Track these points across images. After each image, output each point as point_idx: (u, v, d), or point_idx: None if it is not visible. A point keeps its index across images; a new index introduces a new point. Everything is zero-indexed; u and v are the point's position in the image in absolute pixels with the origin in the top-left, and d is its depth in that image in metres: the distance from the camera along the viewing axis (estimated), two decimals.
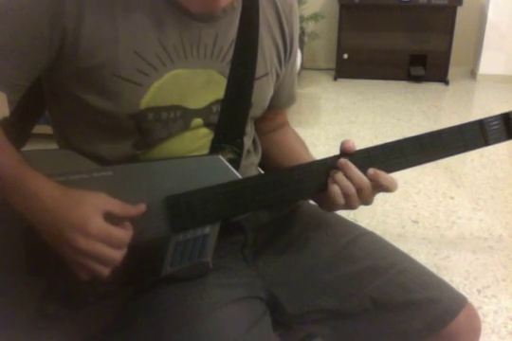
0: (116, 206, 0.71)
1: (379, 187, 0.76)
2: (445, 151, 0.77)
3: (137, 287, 0.80)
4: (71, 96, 0.77)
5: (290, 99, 1.00)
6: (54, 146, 0.88)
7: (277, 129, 1.02)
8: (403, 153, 0.77)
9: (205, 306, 0.77)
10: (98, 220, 0.69)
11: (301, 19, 4.28)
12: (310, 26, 4.56)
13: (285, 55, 0.90)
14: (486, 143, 0.78)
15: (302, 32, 4.40)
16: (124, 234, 0.71)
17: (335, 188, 0.75)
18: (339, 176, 0.75)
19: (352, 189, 0.75)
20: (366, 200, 0.77)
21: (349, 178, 0.75)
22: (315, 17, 4.39)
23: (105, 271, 0.70)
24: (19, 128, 0.90)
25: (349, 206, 0.77)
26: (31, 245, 0.76)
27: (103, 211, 0.70)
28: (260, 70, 0.84)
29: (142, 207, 0.73)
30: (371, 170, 0.76)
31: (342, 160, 0.76)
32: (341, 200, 0.75)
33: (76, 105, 0.78)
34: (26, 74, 0.75)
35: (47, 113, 0.88)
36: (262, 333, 0.78)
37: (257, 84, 0.84)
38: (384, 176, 0.76)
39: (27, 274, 0.78)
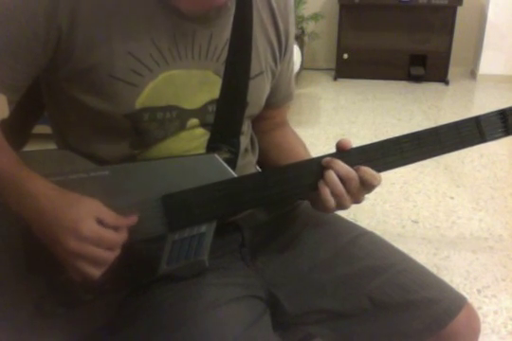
0: (108, 215, 0.72)
1: (362, 181, 0.75)
2: (441, 147, 0.77)
3: (134, 286, 0.80)
4: (68, 96, 0.77)
5: (288, 96, 1.00)
6: (53, 146, 0.88)
7: (276, 128, 1.01)
8: (400, 150, 0.77)
9: (203, 305, 0.76)
10: (90, 223, 0.69)
11: (302, 19, 4.29)
12: (310, 26, 4.57)
13: (280, 53, 0.90)
14: (483, 140, 0.78)
15: (302, 32, 4.40)
16: (116, 236, 0.71)
17: (325, 191, 0.75)
18: (330, 175, 0.75)
19: (341, 189, 0.75)
20: (356, 197, 0.77)
21: (336, 172, 0.75)
22: (315, 17, 4.39)
23: (96, 273, 0.70)
24: (18, 129, 0.90)
25: (340, 205, 0.76)
26: (30, 244, 0.77)
27: (96, 217, 0.70)
28: (255, 69, 0.84)
29: (134, 218, 0.74)
30: (354, 167, 0.75)
31: (326, 159, 0.76)
32: (332, 202, 0.75)
33: (73, 106, 0.78)
34: (22, 75, 0.75)
35: (46, 113, 0.88)
36: (261, 333, 0.78)
37: (252, 83, 0.84)
38: (366, 170, 0.75)
39: (25, 272, 0.78)
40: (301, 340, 0.94)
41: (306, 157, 0.94)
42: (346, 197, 0.75)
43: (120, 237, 0.72)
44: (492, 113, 0.78)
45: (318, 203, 0.78)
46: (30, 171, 0.72)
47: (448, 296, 0.84)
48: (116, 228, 0.71)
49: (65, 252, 0.69)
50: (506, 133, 0.78)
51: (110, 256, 0.71)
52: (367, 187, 0.76)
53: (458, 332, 0.82)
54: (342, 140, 0.77)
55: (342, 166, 0.75)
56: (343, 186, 0.75)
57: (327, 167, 0.75)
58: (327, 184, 0.75)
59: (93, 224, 0.69)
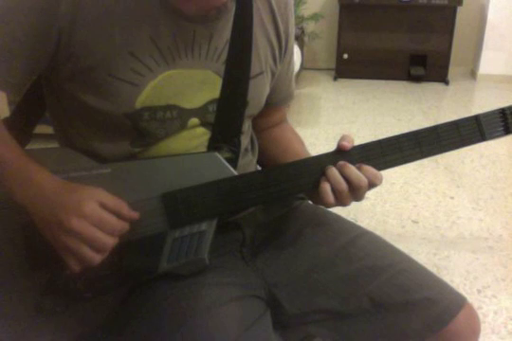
0: (111, 199, 0.72)
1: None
2: (441, 146, 0.77)
3: (134, 283, 0.80)
4: (69, 95, 0.78)
5: (288, 96, 1.01)
6: (55, 146, 0.88)
7: (274, 125, 1.02)
8: (400, 149, 0.77)
9: (204, 305, 0.77)
10: (93, 204, 0.70)
11: (301, 19, 4.30)
12: (310, 26, 4.57)
13: (280, 53, 0.90)
14: (483, 138, 0.78)
15: (302, 32, 4.40)
16: (117, 222, 0.71)
17: (326, 186, 0.75)
18: (332, 171, 0.75)
19: (343, 185, 0.75)
20: (357, 195, 0.77)
21: (347, 177, 0.75)
22: (315, 17, 4.39)
23: (96, 258, 0.70)
24: (20, 128, 0.90)
25: (340, 202, 0.77)
26: (30, 241, 0.77)
27: (99, 201, 0.70)
28: (255, 69, 0.84)
29: (136, 215, 0.74)
30: (356, 165, 0.76)
31: (342, 162, 0.76)
32: (331, 198, 0.75)
33: (74, 105, 0.79)
34: (23, 73, 0.75)
35: (48, 112, 0.89)
36: (261, 332, 0.78)
37: (252, 83, 0.84)
38: (368, 168, 0.76)
39: (25, 269, 0.78)
40: (301, 340, 0.93)
41: (304, 153, 0.95)
42: (348, 194, 0.76)
43: (121, 224, 0.72)
44: (492, 111, 0.78)
45: (317, 198, 0.78)
46: (36, 163, 0.73)
47: (447, 295, 0.83)
48: (118, 215, 0.71)
49: (66, 232, 0.68)
50: (506, 131, 0.78)
51: (110, 241, 0.70)
52: (369, 186, 0.76)
53: (458, 331, 0.82)
54: (344, 141, 0.77)
55: (354, 171, 0.75)
56: (348, 186, 0.75)
57: (337, 167, 0.76)
58: (330, 180, 0.75)
59: (95, 206, 0.70)
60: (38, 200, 0.71)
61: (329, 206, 0.78)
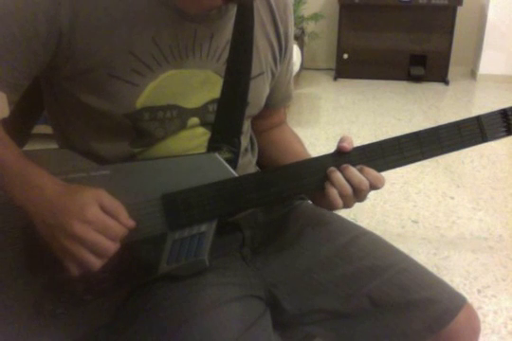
0: (111, 203, 0.72)
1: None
2: (442, 147, 0.77)
3: (134, 285, 0.80)
4: (69, 95, 0.77)
5: (287, 98, 1.01)
6: (54, 146, 0.88)
7: (274, 127, 1.02)
8: (400, 150, 0.76)
9: (204, 305, 0.76)
10: (95, 208, 0.69)
11: (301, 19, 4.30)
12: (310, 26, 4.58)
13: (280, 54, 0.90)
14: (485, 139, 0.77)
15: (302, 32, 4.41)
16: (119, 227, 0.71)
17: (333, 192, 0.75)
18: (336, 176, 0.75)
19: (348, 190, 0.75)
20: (359, 197, 0.77)
21: (348, 179, 0.75)
22: (315, 17, 4.40)
23: (97, 263, 0.70)
24: (18, 128, 0.90)
25: (345, 205, 0.77)
26: (30, 243, 0.77)
27: (99, 203, 0.70)
28: (255, 69, 0.85)
29: (132, 223, 0.73)
30: (357, 167, 0.76)
31: (343, 165, 0.76)
32: (340, 202, 0.75)
33: (73, 105, 0.79)
34: (23, 74, 0.75)
35: (46, 112, 0.89)
36: (261, 333, 0.78)
37: (253, 83, 0.84)
38: (370, 171, 0.75)
39: (24, 272, 0.78)
40: (301, 340, 0.93)
41: (304, 154, 0.95)
42: (352, 198, 0.76)
43: (123, 230, 0.72)
44: (493, 112, 0.77)
45: (323, 201, 0.78)
46: (36, 166, 0.73)
47: (447, 296, 0.83)
48: (117, 219, 0.71)
49: (67, 237, 0.68)
50: (508, 132, 0.78)
51: (111, 246, 0.70)
52: (370, 188, 0.76)
53: (458, 331, 0.81)
54: (344, 142, 0.77)
55: (355, 175, 0.75)
56: (352, 189, 0.75)
57: (339, 170, 0.75)
58: (335, 185, 0.75)
59: (98, 210, 0.69)
60: (39, 202, 0.70)
61: (335, 210, 0.78)
